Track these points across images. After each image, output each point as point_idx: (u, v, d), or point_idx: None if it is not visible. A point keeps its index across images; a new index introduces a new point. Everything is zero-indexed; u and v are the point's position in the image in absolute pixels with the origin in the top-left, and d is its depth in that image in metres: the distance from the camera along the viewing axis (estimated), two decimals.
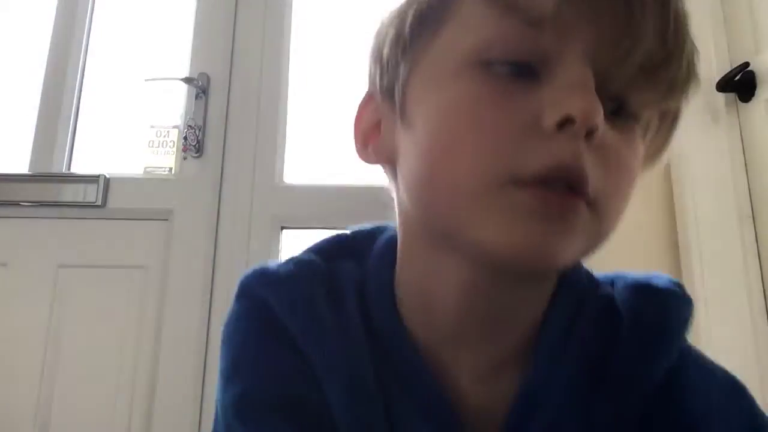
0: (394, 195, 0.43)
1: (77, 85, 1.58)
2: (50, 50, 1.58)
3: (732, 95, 1.34)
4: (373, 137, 0.43)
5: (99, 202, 1.42)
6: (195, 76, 1.50)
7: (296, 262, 0.44)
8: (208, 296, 1.36)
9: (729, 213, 1.29)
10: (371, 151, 0.42)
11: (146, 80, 1.54)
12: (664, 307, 0.41)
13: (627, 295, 0.42)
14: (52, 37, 1.59)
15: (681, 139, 1.45)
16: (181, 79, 1.50)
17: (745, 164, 1.32)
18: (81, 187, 1.44)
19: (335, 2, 1.65)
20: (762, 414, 0.40)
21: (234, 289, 0.45)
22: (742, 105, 1.33)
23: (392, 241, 0.44)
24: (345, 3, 1.63)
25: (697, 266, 1.24)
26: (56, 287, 1.39)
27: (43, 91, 1.55)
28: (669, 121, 0.39)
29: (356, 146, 0.44)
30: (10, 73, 1.64)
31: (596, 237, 0.35)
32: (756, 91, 1.29)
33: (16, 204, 1.44)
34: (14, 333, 1.36)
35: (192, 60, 1.53)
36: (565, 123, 0.31)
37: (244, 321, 0.43)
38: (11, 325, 1.36)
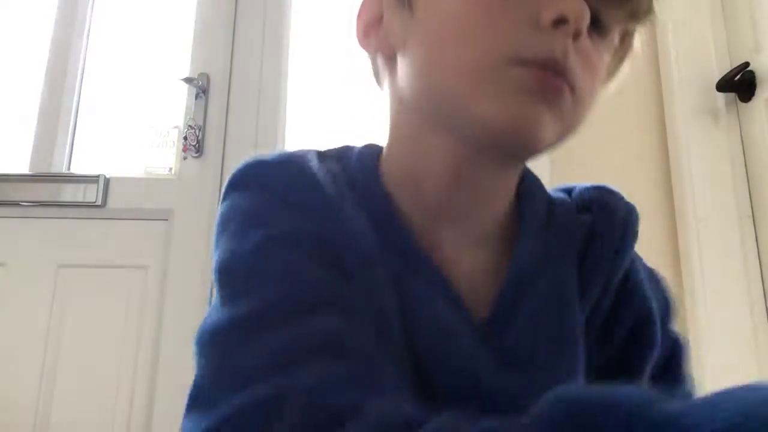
0: (385, 84, 0.47)
1: (77, 85, 1.58)
2: (50, 50, 1.58)
3: (732, 95, 1.34)
4: (374, 29, 0.46)
5: (99, 202, 1.42)
6: (195, 76, 1.50)
7: (288, 152, 0.46)
8: (208, 296, 1.36)
9: (729, 213, 1.29)
10: (373, 40, 0.46)
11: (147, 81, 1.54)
12: (625, 204, 0.49)
13: (593, 194, 0.50)
14: (53, 36, 1.59)
15: (681, 138, 1.45)
16: (182, 79, 1.50)
17: (745, 164, 1.32)
18: (81, 187, 1.44)
19: (335, 2, 1.65)
20: (670, 293, 0.51)
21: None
22: (742, 105, 1.33)
23: (369, 146, 0.48)
24: (344, 3, 1.63)
25: (697, 266, 1.24)
26: (56, 287, 1.39)
27: (43, 91, 1.55)
28: (626, 45, 0.46)
29: (357, 35, 0.48)
30: (11, 73, 1.64)
31: (570, 126, 0.41)
32: (756, 91, 1.30)
33: (16, 204, 1.44)
34: (14, 333, 1.36)
35: (192, 60, 1.53)
36: (559, 22, 0.37)
37: (249, 200, 0.42)
38: (11, 325, 1.36)
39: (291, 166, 0.44)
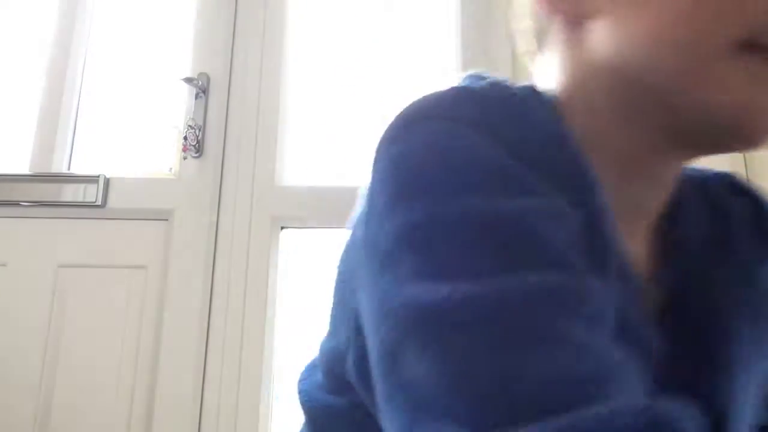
0: (557, 46, 0.42)
1: (77, 84, 1.59)
2: (51, 50, 1.58)
3: None
4: None
5: (99, 202, 1.42)
6: (195, 76, 1.50)
7: (487, 82, 0.39)
8: (208, 296, 1.36)
9: None
10: (567, 2, 0.41)
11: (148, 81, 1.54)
12: None
13: (735, 180, 0.49)
14: (53, 36, 1.59)
15: None
16: (182, 79, 1.50)
17: (745, 164, 1.32)
18: (81, 187, 1.44)
19: (335, 2, 1.65)
20: None
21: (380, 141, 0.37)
22: None
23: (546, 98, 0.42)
24: (344, 3, 1.63)
25: None
26: (56, 287, 1.39)
27: (43, 91, 1.55)
28: None
29: None
30: (11, 73, 1.64)
31: None
32: None
33: (16, 204, 1.44)
34: (14, 333, 1.36)
35: (192, 60, 1.53)
36: None
37: (448, 141, 0.33)
38: (11, 325, 1.36)
39: (514, 107, 0.37)
